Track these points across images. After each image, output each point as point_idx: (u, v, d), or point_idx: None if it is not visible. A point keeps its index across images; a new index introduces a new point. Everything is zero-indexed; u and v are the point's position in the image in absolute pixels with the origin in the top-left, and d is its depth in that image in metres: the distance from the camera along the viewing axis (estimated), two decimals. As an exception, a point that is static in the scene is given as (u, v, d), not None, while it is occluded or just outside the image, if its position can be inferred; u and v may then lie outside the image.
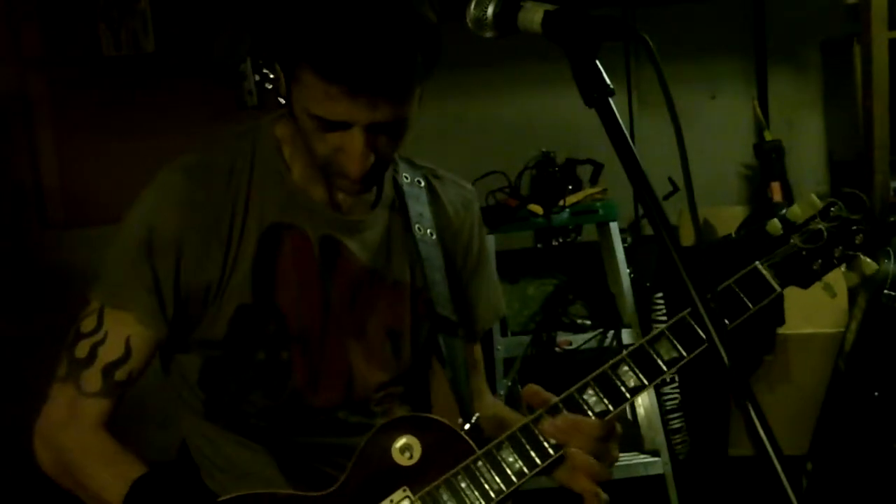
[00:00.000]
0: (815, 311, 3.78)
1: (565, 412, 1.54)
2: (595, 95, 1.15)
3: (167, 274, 1.60)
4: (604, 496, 1.57)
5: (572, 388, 1.56)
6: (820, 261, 1.64)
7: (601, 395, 1.55)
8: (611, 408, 1.55)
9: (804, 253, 1.63)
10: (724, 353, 1.06)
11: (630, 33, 1.15)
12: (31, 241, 3.97)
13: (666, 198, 3.71)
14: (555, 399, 1.56)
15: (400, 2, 1.45)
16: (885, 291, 3.36)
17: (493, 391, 3.34)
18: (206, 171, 1.63)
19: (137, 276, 1.59)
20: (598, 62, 1.16)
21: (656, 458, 3.61)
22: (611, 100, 1.15)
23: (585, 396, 1.55)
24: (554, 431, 1.54)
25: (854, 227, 1.65)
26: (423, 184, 1.80)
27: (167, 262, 1.59)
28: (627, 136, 1.14)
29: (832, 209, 1.65)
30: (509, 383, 3.61)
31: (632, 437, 3.69)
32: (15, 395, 3.77)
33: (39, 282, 3.92)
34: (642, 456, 3.65)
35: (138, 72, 3.99)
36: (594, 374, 1.56)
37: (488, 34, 1.28)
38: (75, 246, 3.90)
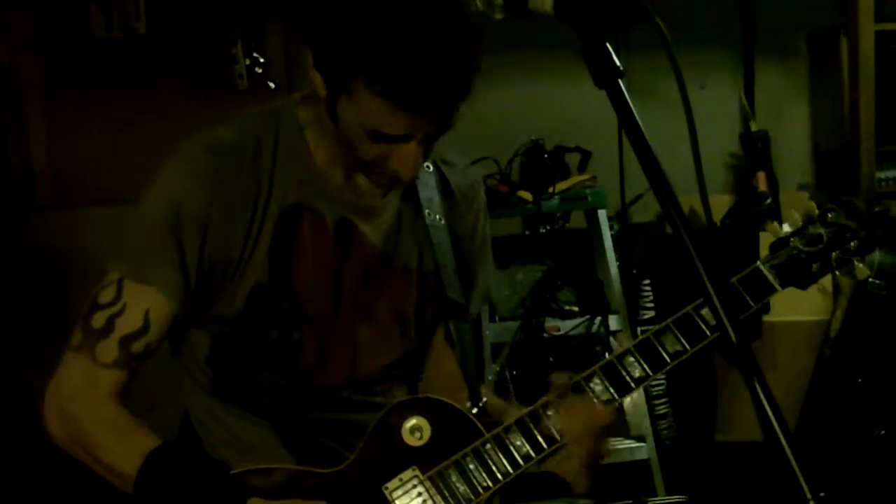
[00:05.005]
0: (801, 299, 3.80)
1: (572, 396, 1.59)
2: (606, 76, 1.16)
3: (193, 249, 1.60)
4: (584, 485, 1.62)
5: (579, 376, 1.61)
6: (818, 264, 1.70)
7: (607, 384, 1.61)
8: (616, 396, 1.61)
9: (803, 256, 1.70)
10: (731, 331, 1.09)
11: (643, 15, 1.16)
12: (21, 223, 3.94)
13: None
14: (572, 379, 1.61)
15: (465, 29, 1.47)
16: (870, 279, 3.39)
17: (482, 377, 3.38)
18: (234, 150, 1.64)
19: (162, 251, 1.59)
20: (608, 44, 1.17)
21: (642, 444, 3.65)
22: (620, 81, 1.17)
23: (592, 385, 1.60)
24: (560, 415, 1.59)
25: (849, 234, 1.72)
26: (431, 169, 1.82)
27: (193, 237, 1.60)
28: (637, 118, 1.16)
29: (829, 215, 1.72)
30: (498, 368, 3.63)
31: (618, 423, 3.71)
32: (6, 375, 3.77)
33: (29, 263, 3.90)
34: (628, 441, 3.68)
35: (129, 53, 3.96)
36: (600, 363, 1.62)
37: (498, 16, 1.27)
38: (65, 227, 3.89)
